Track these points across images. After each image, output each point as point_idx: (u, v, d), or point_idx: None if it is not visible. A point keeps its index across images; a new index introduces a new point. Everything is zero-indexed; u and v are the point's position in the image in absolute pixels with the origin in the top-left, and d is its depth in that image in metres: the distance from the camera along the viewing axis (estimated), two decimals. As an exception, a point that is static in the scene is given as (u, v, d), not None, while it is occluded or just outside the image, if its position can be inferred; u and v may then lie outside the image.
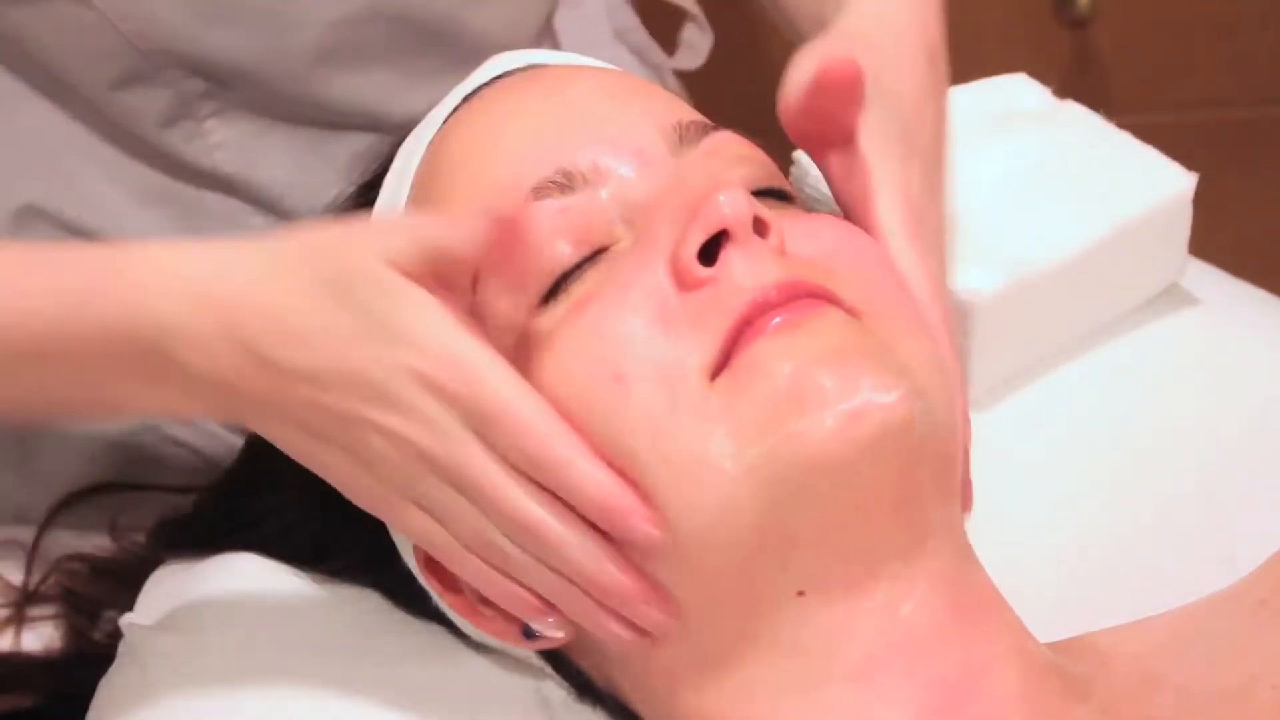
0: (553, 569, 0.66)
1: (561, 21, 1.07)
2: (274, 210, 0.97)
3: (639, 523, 0.65)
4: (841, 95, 0.72)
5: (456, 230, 0.66)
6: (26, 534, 0.95)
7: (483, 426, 0.64)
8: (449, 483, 0.66)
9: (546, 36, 1.05)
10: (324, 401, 0.66)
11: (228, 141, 0.95)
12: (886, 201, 0.73)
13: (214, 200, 0.97)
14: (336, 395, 0.65)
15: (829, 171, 0.76)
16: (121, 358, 0.68)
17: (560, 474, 0.65)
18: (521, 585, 0.68)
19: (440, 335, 0.65)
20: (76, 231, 0.95)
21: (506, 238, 0.67)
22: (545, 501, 0.65)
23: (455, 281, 0.67)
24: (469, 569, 0.68)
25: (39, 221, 0.95)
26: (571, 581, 0.67)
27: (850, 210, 0.75)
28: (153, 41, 0.88)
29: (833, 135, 0.74)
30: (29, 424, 0.76)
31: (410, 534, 0.69)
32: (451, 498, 0.66)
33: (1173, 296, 0.94)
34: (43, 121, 0.94)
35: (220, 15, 0.88)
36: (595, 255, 0.71)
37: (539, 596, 0.68)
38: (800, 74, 0.72)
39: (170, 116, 0.93)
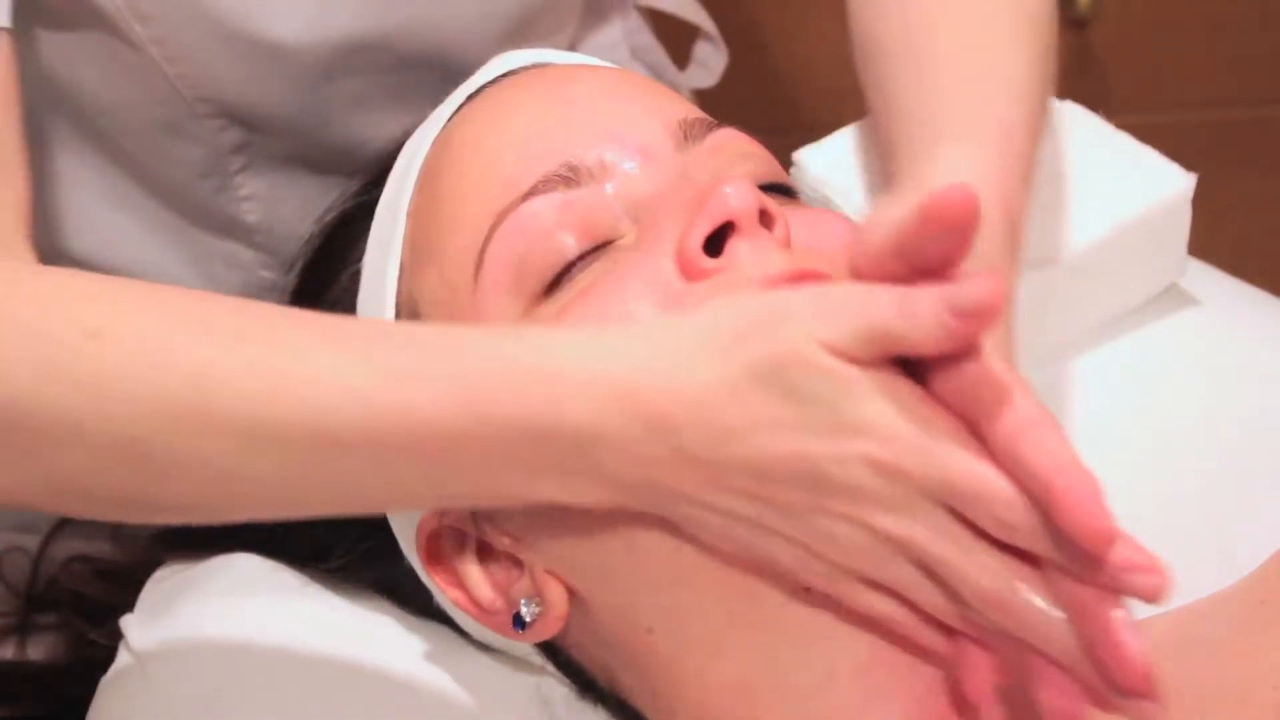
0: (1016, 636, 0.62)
1: (582, 47, 1.07)
2: (285, 260, 0.98)
3: (1147, 577, 0.59)
4: (953, 235, 0.60)
5: (917, 324, 0.59)
6: (32, 542, 0.95)
7: (949, 498, 0.60)
8: (910, 561, 0.61)
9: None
10: (767, 494, 0.61)
11: (256, 194, 0.95)
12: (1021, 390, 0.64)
13: (228, 248, 0.97)
14: (783, 488, 0.61)
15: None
16: (525, 458, 0.62)
17: (1030, 540, 0.59)
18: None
19: (887, 419, 0.60)
20: (92, 269, 0.95)
21: (973, 334, 0.59)
22: (1014, 569, 0.60)
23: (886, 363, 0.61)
24: (931, 644, 0.65)
25: (56, 259, 0.95)
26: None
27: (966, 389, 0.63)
28: (198, 88, 0.88)
29: (915, 279, 0.67)
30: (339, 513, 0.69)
31: (873, 612, 0.65)
32: (911, 575, 0.62)
33: (1173, 296, 0.94)
34: (64, 160, 0.94)
35: (266, 63, 0.88)
36: (599, 249, 0.71)
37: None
38: (893, 212, 0.62)
39: (203, 170, 0.93)
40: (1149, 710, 0.58)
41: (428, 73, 0.92)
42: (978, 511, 0.60)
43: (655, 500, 0.64)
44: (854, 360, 0.60)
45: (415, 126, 0.81)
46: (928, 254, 0.60)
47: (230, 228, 0.97)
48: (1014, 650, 0.62)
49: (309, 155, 0.95)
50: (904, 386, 0.61)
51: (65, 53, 0.88)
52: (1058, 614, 0.60)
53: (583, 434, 0.61)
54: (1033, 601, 0.60)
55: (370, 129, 0.93)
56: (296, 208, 0.96)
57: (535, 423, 0.61)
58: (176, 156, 0.93)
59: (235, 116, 0.90)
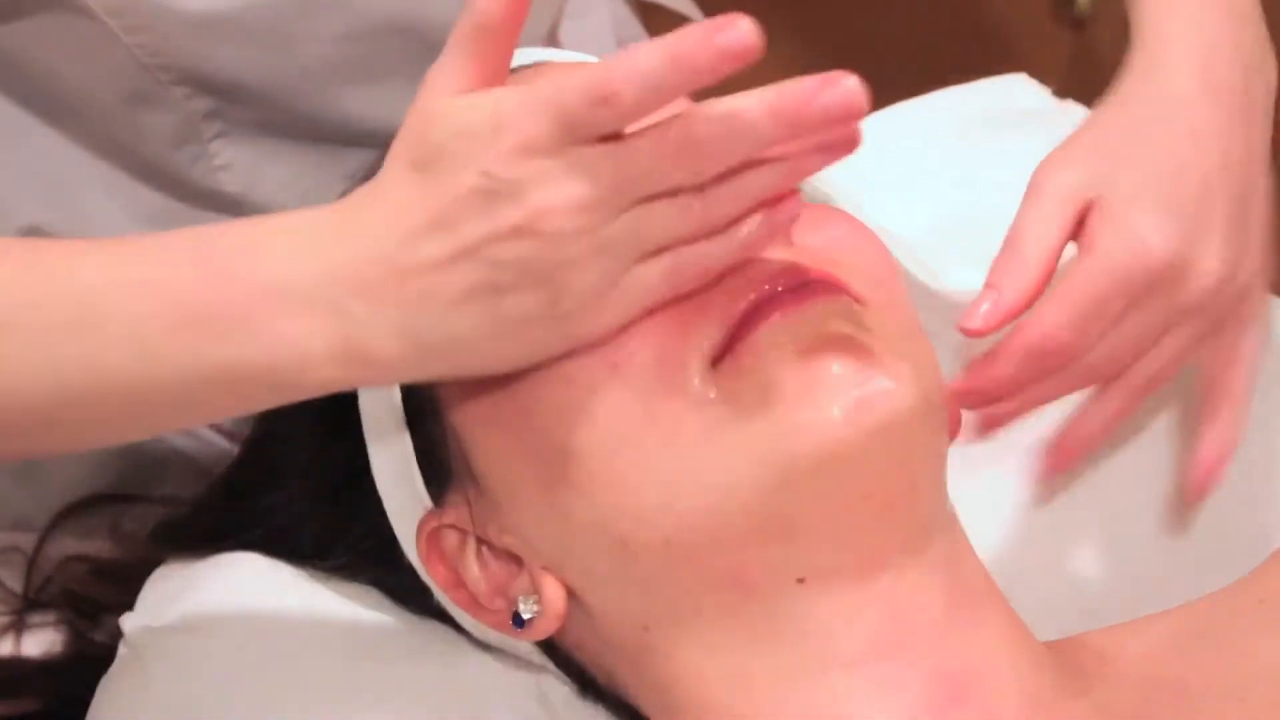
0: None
1: (566, 33, 1.07)
2: None
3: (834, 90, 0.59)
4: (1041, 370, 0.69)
5: (474, 5, 0.62)
6: (28, 540, 0.95)
7: (583, 125, 0.60)
8: (623, 205, 0.61)
9: (550, 46, 1.05)
10: (477, 252, 0.61)
11: (233, 163, 0.95)
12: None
13: (215, 220, 0.97)
14: (483, 239, 0.61)
15: None
16: (269, 315, 0.63)
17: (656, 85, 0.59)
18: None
19: (503, 107, 0.61)
20: None
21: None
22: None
23: (507, 58, 0.64)
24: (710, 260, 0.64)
25: None
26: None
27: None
28: (159, 56, 0.88)
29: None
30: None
31: (651, 297, 0.64)
32: (635, 217, 0.61)
33: (1173, 296, 0.94)
34: (48, 145, 0.94)
35: (226, 30, 0.88)
36: None
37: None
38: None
39: (176, 139, 0.93)
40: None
41: (396, 40, 0.92)
42: (605, 110, 0.59)
43: (403, 327, 0.62)
44: (474, 82, 0.62)
45: (390, 96, 0.80)
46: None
47: (212, 200, 0.96)
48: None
49: (283, 124, 0.94)
50: (506, 91, 0.62)
51: (26, 35, 0.88)
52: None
53: (307, 278, 0.62)
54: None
55: (344, 99, 0.93)
56: (276, 178, 0.96)
57: (263, 279, 0.63)
58: (149, 127, 0.92)
59: (200, 84, 0.90)
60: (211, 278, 0.63)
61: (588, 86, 0.59)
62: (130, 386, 0.64)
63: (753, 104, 0.60)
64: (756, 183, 0.62)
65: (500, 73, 0.63)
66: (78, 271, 0.64)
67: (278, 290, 0.63)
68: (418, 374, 0.65)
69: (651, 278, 0.63)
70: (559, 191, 0.60)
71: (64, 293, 0.64)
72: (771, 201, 0.63)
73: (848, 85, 0.59)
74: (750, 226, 0.64)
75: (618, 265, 0.62)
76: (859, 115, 0.60)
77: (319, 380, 0.64)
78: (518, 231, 0.61)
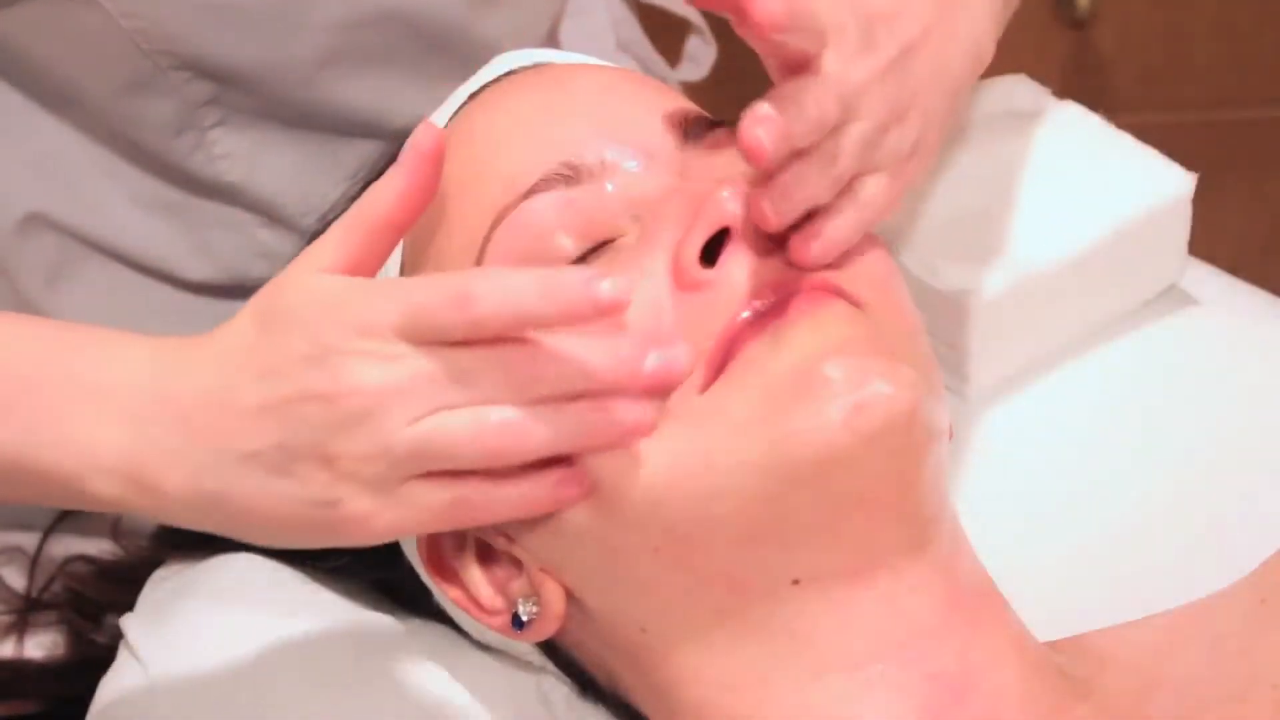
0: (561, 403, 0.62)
1: (566, 33, 1.07)
2: (276, 218, 0.97)
3: (598, 294, 0.59)
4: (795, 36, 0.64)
5: (378, 199, 0.64)
6: (30, 540, 0.95)
7: (427, 326, 0.61)
8: (430, 407, 0.61)
9: (551, 45, 1.05)
10: (284, 415, 0.62)
11: (232, 151, 0.95)
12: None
13: (219, 210, 0.97)
14: (294, 401, 0.62)
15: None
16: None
17: (516, 304, 0.60)
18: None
19: (355, 289, 0.62)
20: (81, 239, 0.95)
21: (420, 181, 0.65)
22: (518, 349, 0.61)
23: (386, 253, 0.66)
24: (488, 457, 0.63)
25: (44, 230, 0.95)
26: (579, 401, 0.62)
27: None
28: (157, 42, 0.88)
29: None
30: None
31: (436, 505, 0.63)
32: (440, 419, 0.61)
33: (1173, 297, 0.94)
34: (49, 132, 0.94)
35: (224, 16, 0.88)
36: (600, 248, 0.71)
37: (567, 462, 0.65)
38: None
39: (176, 126, 0.93)
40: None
41: (393, 29, 0.92)
42: (448, 319, 0.60)
43: (194, 468, 0.63)
44: (344, 267, 0.64)
45: (387, 86, 0.80)
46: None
47: (212, 189, 0.96)
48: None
49: (282, 112, 0.94)
50: (364, 278, 0.64)
51: (25, 22, 0.88)
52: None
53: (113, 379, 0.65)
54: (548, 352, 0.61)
55: (342, 88, 0.93)
56: (275, 166, 0.95)
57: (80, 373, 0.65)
58: (148, 115, 0.92)
59: (199, 70, 0.90)
60: (32, 364, 0.66)
61: (447, 286, 0.60)
62: None
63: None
64: (565, 422, 0.61)
65: (372, 266, 0.65)
66: None
67: (90, 390, 0.65)
68: (190, 518, 0.65)
69: (432, 500, 0.62)
70: (372, 373, 0.61)
71: None
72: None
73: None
74: (539, 485, 0.64)
75: (400, 471, 0.62)
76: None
77: (96, 492, 0.65)
78: (323, 398, 0.61)
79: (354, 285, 0.63)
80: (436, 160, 0.65)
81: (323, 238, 0.65)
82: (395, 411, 0.61)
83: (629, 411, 0.61)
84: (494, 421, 0.61)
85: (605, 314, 0.59)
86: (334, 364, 0.61)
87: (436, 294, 0.61)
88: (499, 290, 0.60)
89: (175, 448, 0.64)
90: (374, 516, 0.63)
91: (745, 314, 0.66)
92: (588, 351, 0.61)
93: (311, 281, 0.63)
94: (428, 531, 0.67)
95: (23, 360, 0.67)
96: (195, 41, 0.88)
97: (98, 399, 0.65)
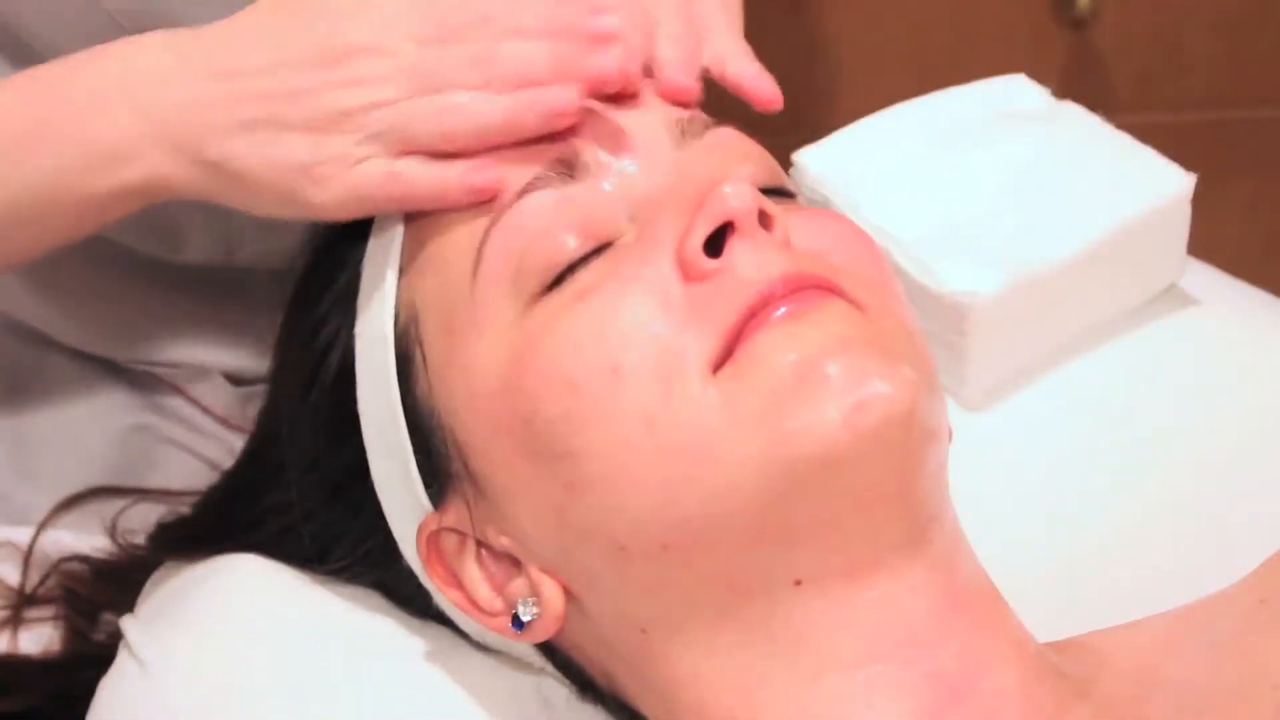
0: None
1: None
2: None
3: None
4: None
5: None
6: (23, 535, 0.95)
7: (436, 25, 0.71)
8: (413, 91, 0.71)
9: None
10: (286, 84, 0.71)
11: None
12: None
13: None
14: (300, 73, 0.71)
15: None
16: (84, 105, 0.74)
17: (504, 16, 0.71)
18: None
19: None
20: None
21: None
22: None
23: None
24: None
25: None
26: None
27: None
28: (138, 20, 0.88)
29: None
30: None
31: (372, 179, 0.72)
32: (413, 102, 0.71)
33: (1173, 297, 0.94)
34: None
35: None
36: (600, 249, 0.71)
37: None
38: None
39: None
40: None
41: None
42: (456, 18, 0.71)
43: (193, 140, 0.73)
44: None
45: None
46: None
47: None
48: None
49: None
50: None
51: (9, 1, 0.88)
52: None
53: (124, 70, 0.74)
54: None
55: None
56: None
57: (85, 75, 0.75)
58: None
59: None
60: (37, 95, 0.75)
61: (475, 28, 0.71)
62: None
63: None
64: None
65: None
66: None
67: (114, 86, 0.74)
68: (202, 188, 0.74)
69: (377, 169, 0.71)
70: (383, 62, 0.71)
71: None
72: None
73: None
74: (450, 168, 0.72)
75: (372, 147, 0.71)
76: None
77: (140, 173, 0.74)
78: (329, 84, 0.71)
79: None
80: None
81: None
82: (381, 92, 0.71)
83: (560, 92, 0.71)
84: (462, 110, 0.71)
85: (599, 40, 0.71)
86: (346, 53, 0.71)
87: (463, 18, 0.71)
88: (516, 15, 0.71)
89: (188, 120, 0.73)
90: (337, 180, 0.72)
91: (754, 301, 0.66)
92: (538, 50, 0.71)
93: None
94: (375, 208, 0.74)
95: (46, 79, 0.76)
96: (175, 19, 0.88)
97: (121, 93, 0.74)
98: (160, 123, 0.73)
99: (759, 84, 0.78)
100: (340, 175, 0.71)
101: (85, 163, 0.74)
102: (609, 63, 0.71)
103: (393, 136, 0.71)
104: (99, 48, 0.75)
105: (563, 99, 0.71)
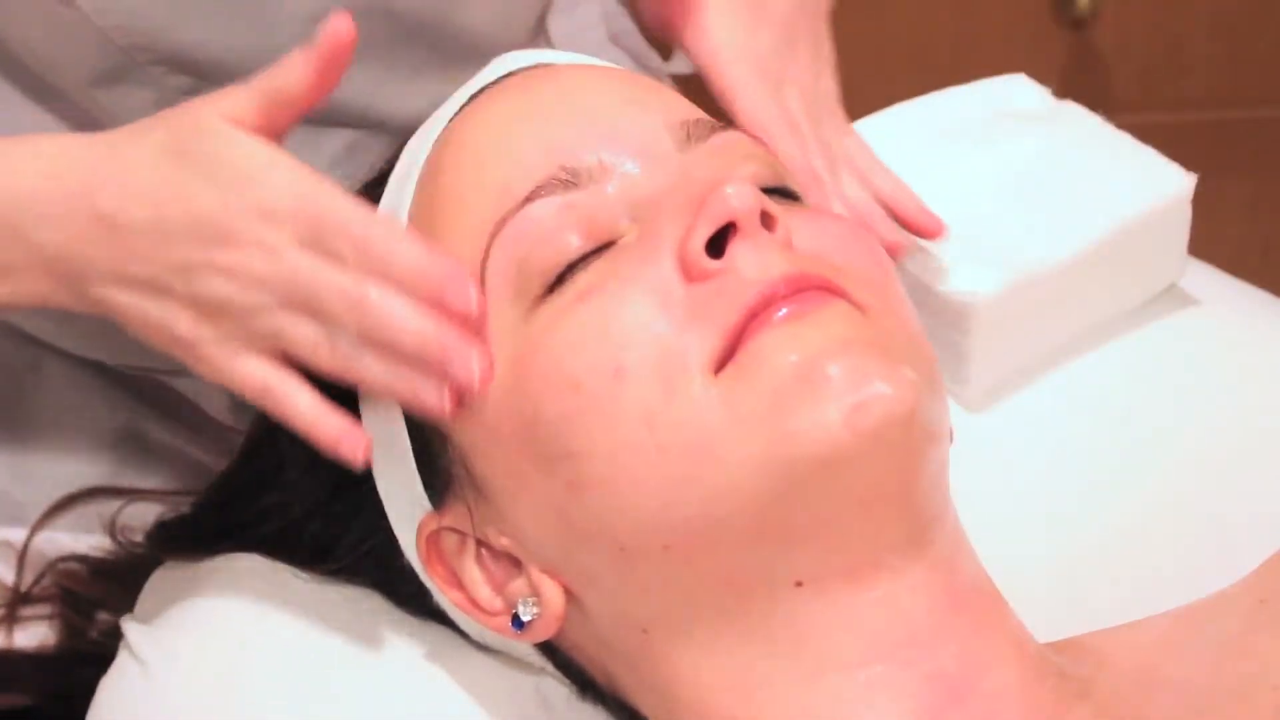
0: (391, 356, 0.69)
1: (556, 26, 1.07)
2: None
3: (460, 288, 0.68)
4: None
5: (288, 74, 0.71)
6: (19, 534, 0.95)
7: (318, 236, 0.69)
8: (290, 307, 0.69)
9: (540, 38, 1.05)
10: (168, 254, 0.70)
11: None
12: (728, 57, 0.78)
13: None
14: (180, 244, 0.70)
15: (683, 44, 0.81)
16: None
17: (384, 255, 0.68)
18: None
19: (275, 172, 0.69)
20: None
21: (331, 65, 0.71)
22: (380, 290, 0.68)
23: (285, 127, 0.72)
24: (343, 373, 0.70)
25: None
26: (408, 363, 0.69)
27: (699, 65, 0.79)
28: (132, 36, 0.88)
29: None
30: None
31: (253, 383, 0.71)
32: (294, 320, 0.69)
33: (1173, 297, 0.94)
34: (24, 123, 0.93)
35: (198, 9, 0.88)
36: (601, 249, 0.71)
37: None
38: None
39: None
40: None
41: (369, 21, 0.92)
42: (333, 239, 0.68)
43: (80, 277, 0.72)
44: (252, 126, 0.71)
45: (363, 78, 0.81)
46: None
47: None
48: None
49: None
50: (287, 155, 0.71)
51: (3, 13, 0.88)
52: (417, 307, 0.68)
53: (16, 202, 0.72)
54: (394, 301, 0.68)
55: None
56: None
57: None
58: (126, 105, 0.92)
59: (177, 63, 0.90)
60: None
61: (354, 220, 0.69)
62: None
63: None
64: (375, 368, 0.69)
65: (279, 132, 0.72)
66: None
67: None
68: (85, 310, 0.73)
69: (254, 375, 0.71)
70: (256, 262, 0.69)
71: None
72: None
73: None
74: (323, 416, 0.71)
75: (250, 343, 0.71)
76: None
77: (26, 289, 0.73)
78: (206, 263, 0.69)
79: (276, 162, 0.70)
80: (348, 51, 0.72)
81: (235, 90, 0.72)
82: (259, 297, 0.69)
83: (428, 389, 0.69)
84: (336, 349, 0.69)
85: (461, 323, 0.68)
86: (227, 237, 0.69)
87: (343, 219, 0.69)
88: (394, 252, 0.68)
89: (70, 257, 0.72)
90: (218, 365, 0.72)
91: (755, 301, 0.66)
92: (431, 329, 0.68)
93: (234, 137, 0.70)
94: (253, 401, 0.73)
95: None
96: (170, 36, 0.88)
97: (4, 219, 0.72)
98: (43, 255, 0.72)
99: (923, 218, 0.78)
100: (221, 363, 0.71)
101: None
102: (470, 376, 0.68)
103: (270, 343, 0.71)
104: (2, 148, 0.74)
105: (433, 400, 0.69)
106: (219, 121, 0.70)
